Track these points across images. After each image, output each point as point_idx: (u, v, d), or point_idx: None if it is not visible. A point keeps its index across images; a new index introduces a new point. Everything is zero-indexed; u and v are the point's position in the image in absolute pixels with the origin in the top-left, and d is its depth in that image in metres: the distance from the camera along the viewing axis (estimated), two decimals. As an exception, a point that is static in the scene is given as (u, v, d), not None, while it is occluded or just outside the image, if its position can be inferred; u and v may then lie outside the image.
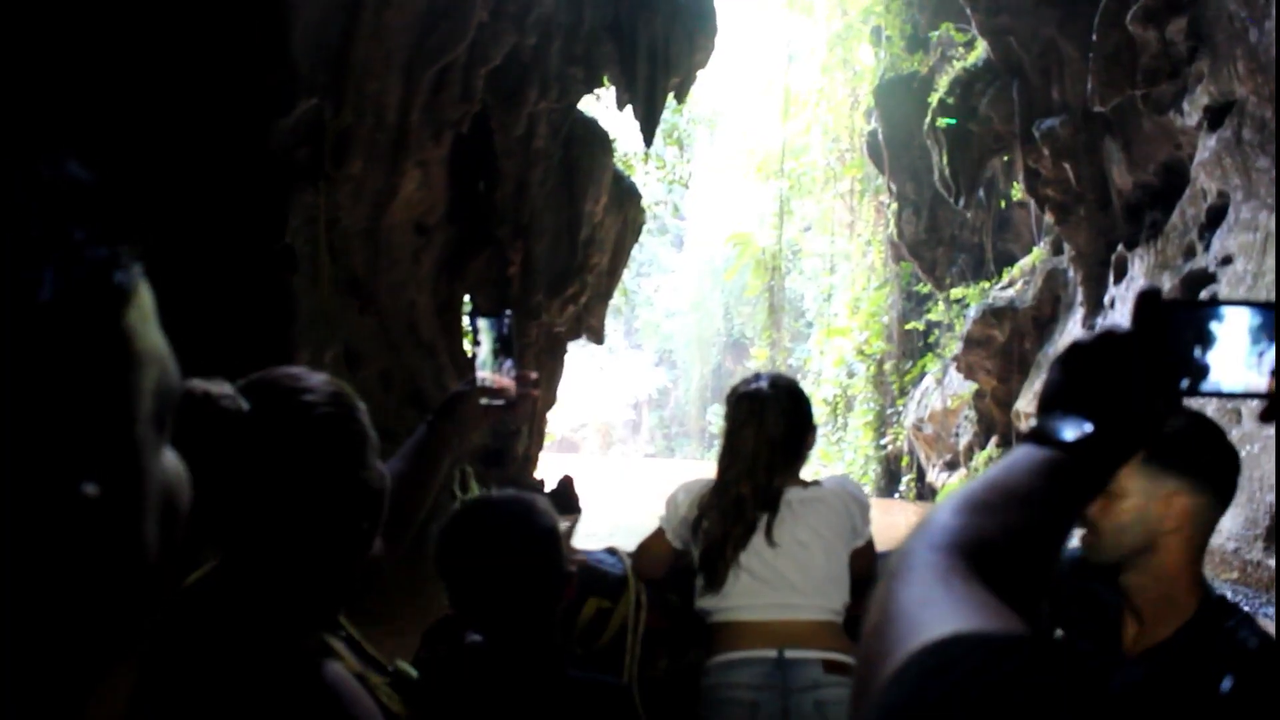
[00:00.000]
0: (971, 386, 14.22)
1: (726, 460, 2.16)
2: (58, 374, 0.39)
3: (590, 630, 2.04)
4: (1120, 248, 11.33)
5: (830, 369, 24.36)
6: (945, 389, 15.89)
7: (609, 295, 15.18)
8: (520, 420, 14.08)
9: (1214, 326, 0.69)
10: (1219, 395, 0.69)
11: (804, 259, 31.38)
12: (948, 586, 0.53)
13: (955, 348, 15.91)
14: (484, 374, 1.54)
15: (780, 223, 23.00)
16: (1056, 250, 13.09)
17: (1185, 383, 0.69)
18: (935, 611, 0.50)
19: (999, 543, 0.60)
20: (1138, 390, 0.68)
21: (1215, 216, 9.55)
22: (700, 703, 2.05)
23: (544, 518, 1.54)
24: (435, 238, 12.71)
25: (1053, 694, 0.41)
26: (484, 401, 1.55)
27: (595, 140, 13.76)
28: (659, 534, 2.24)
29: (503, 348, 1.55)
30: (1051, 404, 0.69)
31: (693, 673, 2.09)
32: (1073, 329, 12.28)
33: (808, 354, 34.30)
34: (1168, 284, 10.17)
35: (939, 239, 15.64)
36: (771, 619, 2.04)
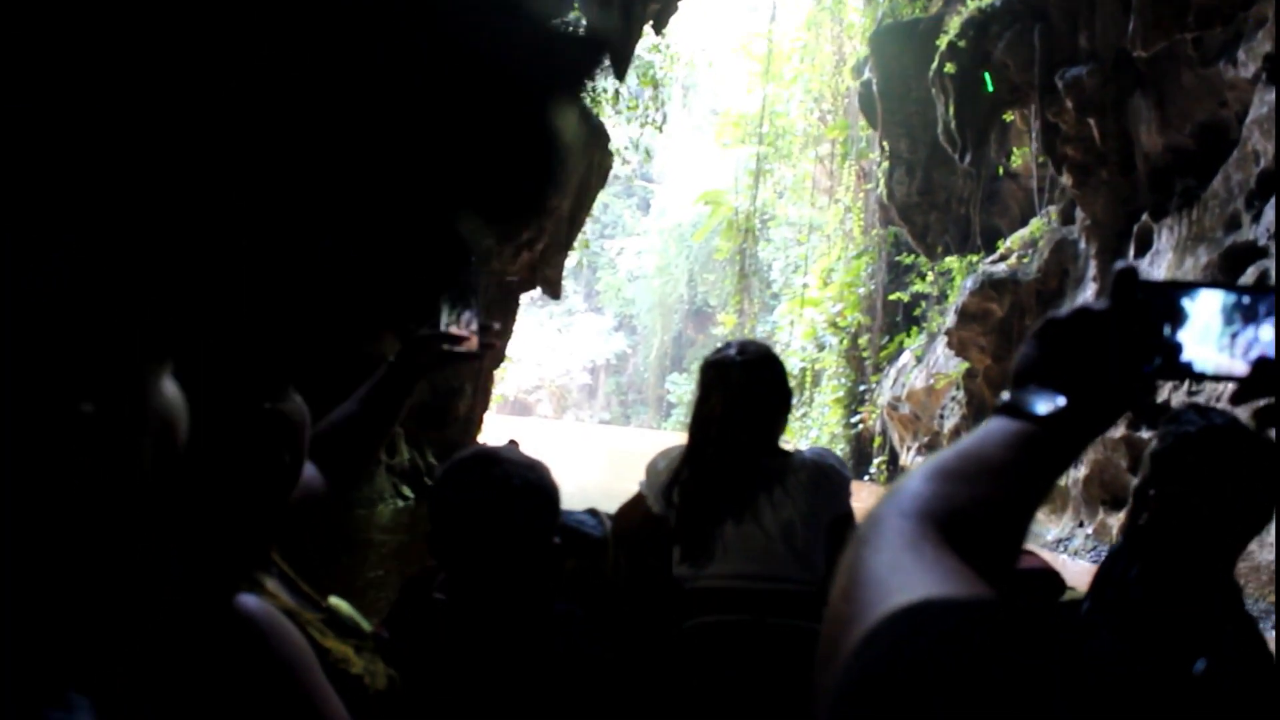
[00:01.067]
0: (961, 365, 12.98)
1: (694, 429, 2.16)
2: (57, 295, 0.40)
3: (567, 591, 1.91)
4: (1145, 217, 10.07)
5: (799, 341, 23.12)
6: (930, 366, 14.65)
7: (568, 245, 13.70)
8: (484, 368, 12.91)
9: (1190, 307, 0.69)
10: (1192, 376, 0.68)
11: (774, 227, 30.04)
12: (918, 552, 0.53)
13: (942, 322, 14.69)
14: (445, 319, 1.53)
15: (756, 182, 21.52)
16: (1066, 220, 11.84)
17: (1157, 361, 0.69)
18: (905, 577, 0.51)
19: (970, 511, 0.60)
20: (1112, 366, 0.68)
21: (1268, 183, 8.30)
22: (676, 667, 2.02)
23: (552, 490, 1.51)
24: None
25: (1023, 657, 0.41)
26: (445, 348, 1.54)
27: (561, 69, 12.24)
28: (639, 498, 2.24)
29: (465, 296, 1.56)
30: (1025, 377, 0.69)
31: (670, 638, 2.07)
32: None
33: (774, 325, 33.29)
34: (1204, 258, 8.95)
35: (932, 202, 14.33)
36: (752, 588, 2.02)
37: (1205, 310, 0.69)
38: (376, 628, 1.48)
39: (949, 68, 11.29)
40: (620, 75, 12.06)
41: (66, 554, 0.43)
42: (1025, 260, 12.65)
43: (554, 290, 13.44)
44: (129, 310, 0.43)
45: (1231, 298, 0.69)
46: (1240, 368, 0.68)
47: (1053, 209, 12.73)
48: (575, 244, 14.78)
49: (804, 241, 23.06)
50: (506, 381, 51.84)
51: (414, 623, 1.52)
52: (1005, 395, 0.69)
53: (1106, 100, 9.90)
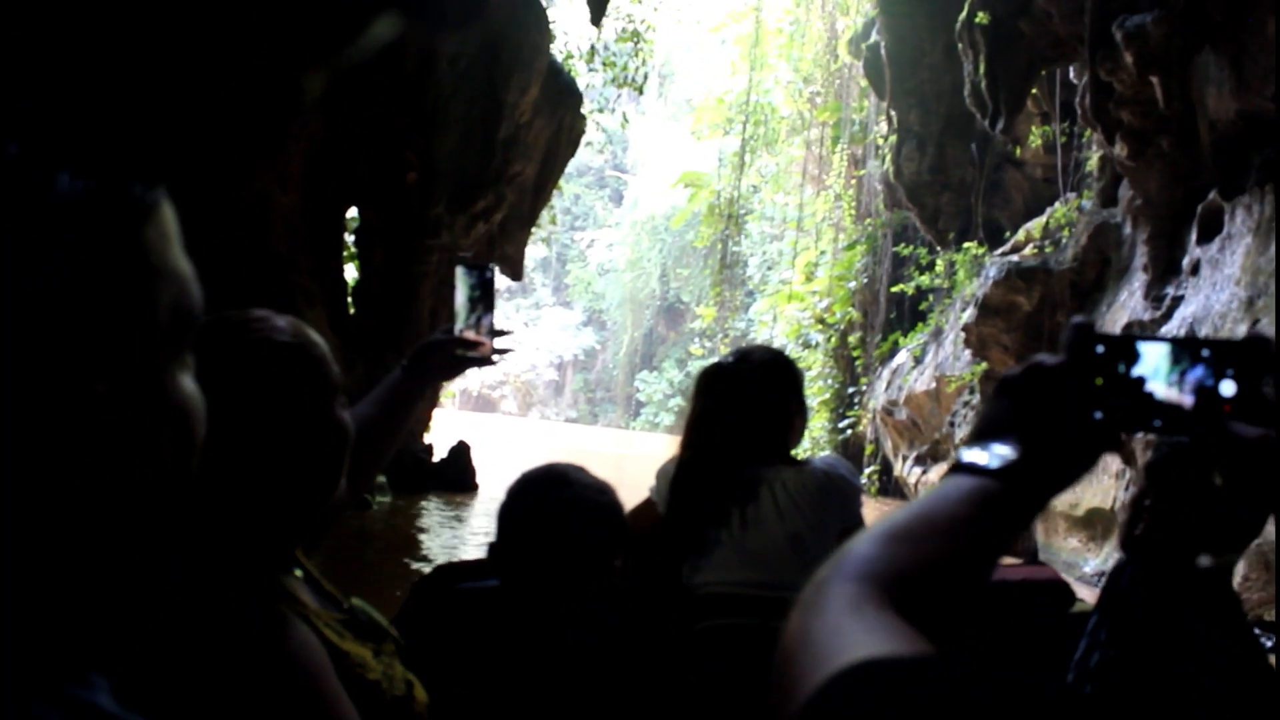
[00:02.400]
0: (977, 366, 11.38)
1: (686, 439, 2.15)
2: (70, 279, 0.42)
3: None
4: (1213, 195, 8.50)
5: (781, 338, 21.48)
6: (937, 367, 13.05)
7: (532, 220, 11.95)
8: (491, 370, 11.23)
9: (1145, 360, 0.71)
10: (1148, 429, 0.71)
11: (752, 221, 28.31)
12: (859, 615, 0.54)
13: (950, 318, 13.11)
14: (461, 324, 1.55)
15: (741, 163, 19.79)
16: (1106, 202, 10.28)
17: (1100, 415, 0.70)
18: (847, 640, 0.51)
19: (915, 573, 0.61)
20: (1069, 419, 0.69)
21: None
22: (681, 669, 2.00)
23: (619, 515, 1.55)
24: (309, 119, 9.36)
25: (964, 710, 0.42)
26: (459, 352, 1.55)
27: (528, 12, 10.47)
28: (649, 503, 2.25)
29: (482, 300, 1.56)
30: (983, 435, 0.70)
31: (677, 640, 2.04)
32: (1128, 299, 9.47)
33: (751, 321, 31.73)
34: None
35: (945, 182, 12.72)
36: (760, 595, 1.99)
37: (1161, 360, 0.70)
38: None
39: (980, 18, 9.68)
40: (596, 20, 10.34)
41: (77, 532, 0.44)
42: (1049, 250, 11.11)
43: (515, 271, 11.71)
44: (146, 301, 0.46)
45: (1184, 350, 0.70)
46: (1188, 400, 0.69)
47: (1086, 191, 11.18)
48: (541, 220, 13.05)
49: (794, 227, 21.29)
50: (468, 376, 50.66)
51: (430, 623, 1.56)
52: (962, 452, 0.70)
53: (1173, 55, 8.33)
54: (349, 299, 11.23)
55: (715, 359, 2.15)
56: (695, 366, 43.09)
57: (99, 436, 0.43)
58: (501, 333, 1.56)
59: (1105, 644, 0.69)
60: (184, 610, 0.94)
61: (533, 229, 12.25)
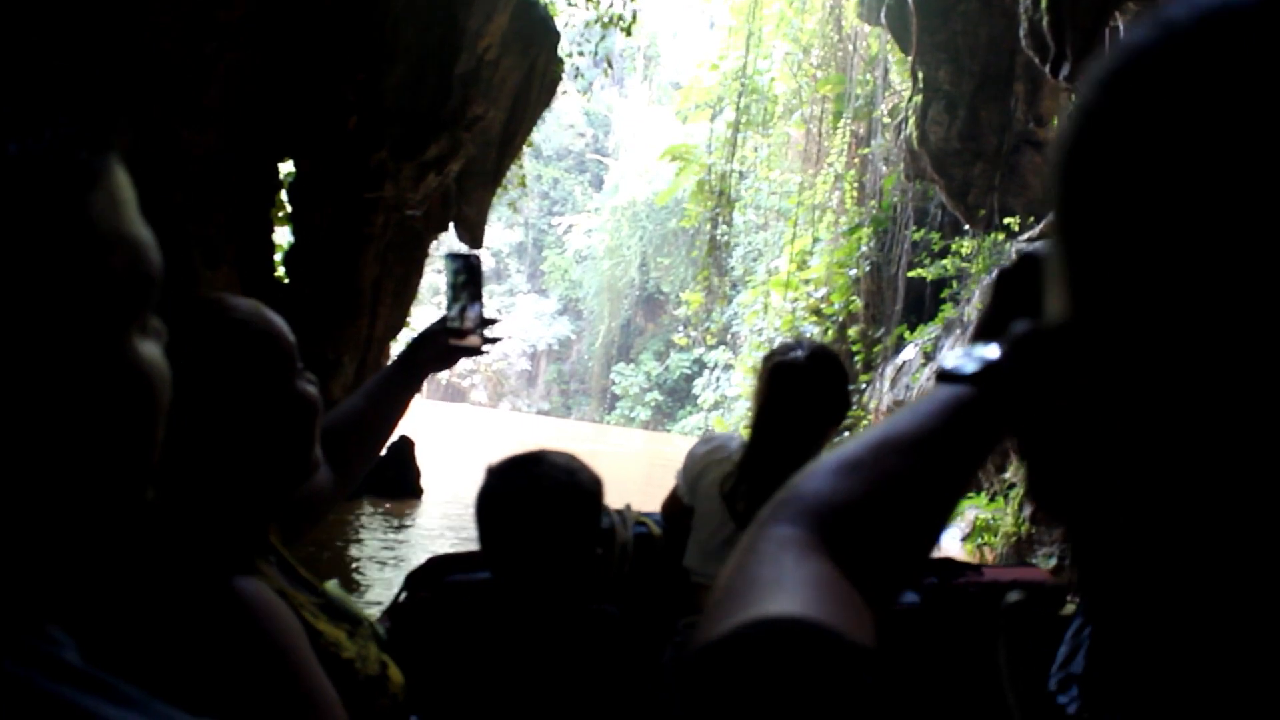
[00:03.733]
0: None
1: (760, 436, 2.04)
2: (12, 248, 0.41)
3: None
4: None
5: (770, 332, 19.80)
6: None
7: (497, 179, 10.17)
8: (375, 337, 9.65)
9: None
10: None
11: (737, 211, 26.45)
12: (777, 563, 0.52)
13: (968, 310, 11.49)
14: (453, 314, 1.56)
15: (735, 137, 17.96)
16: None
17: None
18: (758, 591, 0.49)
19: (858, 505, 0.55)
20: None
21: None
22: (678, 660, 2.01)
23: (589, 492, 1.53)
24: (229, 42, 7.52)
25: (831, 694, 0.41)
26: (451, 342, 1.56)
27: (496, -76, 8.68)
28: (674, 498, 2.25)
29: (469, 289, 1.58)
30: (971, 340, 0.63)
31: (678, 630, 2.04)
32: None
33: (735, 313, 30.17)
34: None
35: (978, 151, 11.03)
36: None
37: None
38: (382, 620, 1.58)
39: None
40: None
41: (31, 493, 0.44)
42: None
43: (474, 236, 9.92)
44: (95, 268, 0.45)
45: None
46: None
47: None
48: (519, 205, 11.30)
49: (793, 203, 19.49)
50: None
51: (421, 617, 1.56)
52: (943, 359, 0.63)
53: None
54: (281, 265, 9.44)
55: (788, 354, 2.03)
56: (679, 358, 41.84)
57: (52, 400, 0.43)
58: (490, 321, 1.59)
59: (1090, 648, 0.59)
60: (150, 574, 0.95)
61: (498, 191, 10.47)
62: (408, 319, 10.13)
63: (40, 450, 0.43)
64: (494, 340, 1.59)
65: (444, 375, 46.11)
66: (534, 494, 1.46)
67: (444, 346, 1.54)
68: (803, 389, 1.98)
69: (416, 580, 1.77)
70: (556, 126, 48.38)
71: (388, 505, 9.04)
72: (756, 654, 0.43)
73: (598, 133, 49.15)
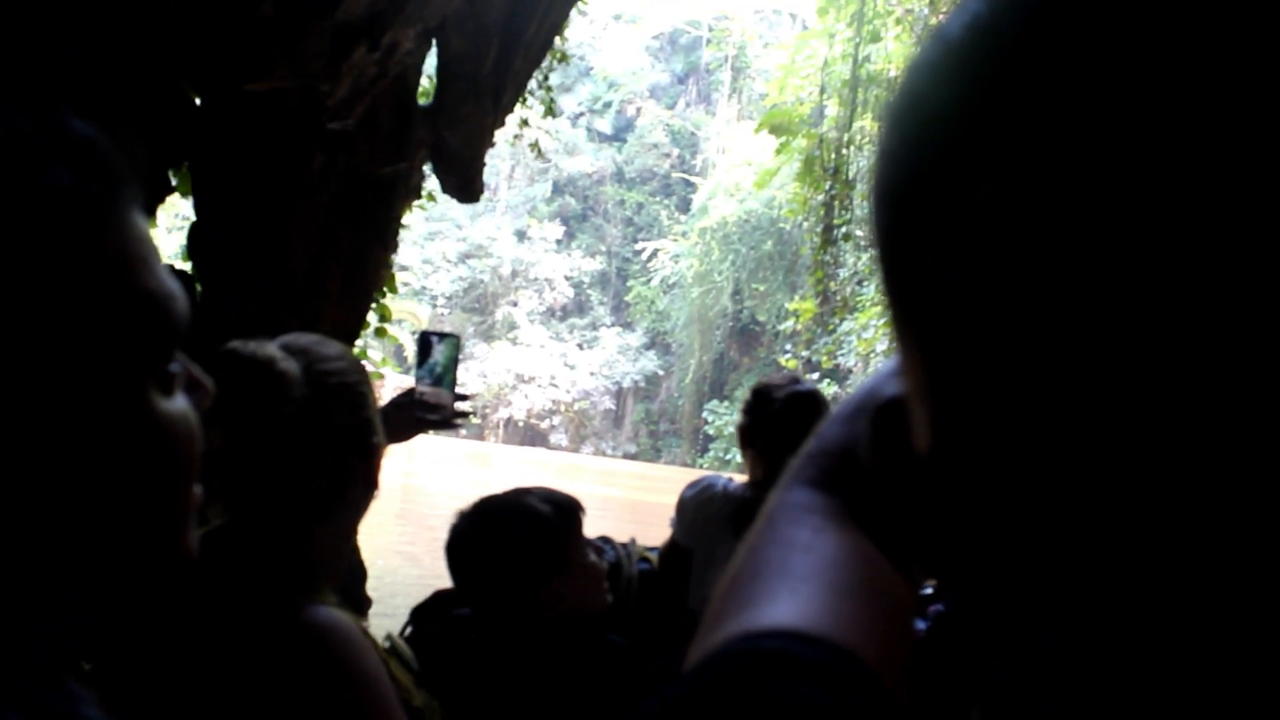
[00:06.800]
0: None
1: (776, 467, 2.07)
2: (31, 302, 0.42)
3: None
4: None
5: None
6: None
7: (500, 95, 6.49)
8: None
9: None
10: None
11: (839, 225, 22.03)
12: (788, 544, 0.47)
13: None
14: (423, 387, 1.62)
15: (852, 91, 13.86)
16: None
17: None
18: (759, 586, 0.45)
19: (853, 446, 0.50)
20: None
21: None
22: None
23: (535, 522, 1.63)
24: None
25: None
26: (419, 415, 1.61)
27: None
28: (673, 544, 2.33)
29: (445, 368, 1.63)
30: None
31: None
32: None
33: (840, 342, 26.20)
34: None
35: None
36: None
37: None
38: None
39: None
40: None
41: (47, 544, 0.45)
42: None
43: (463, 182, 6.26)
44: (112, 325, 0.45)
45: None
46: None
47: None
48: (516, 122, 7.68)
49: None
50: (514, 404, 46.96)
51: (431, 648, 1.61)
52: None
53: None
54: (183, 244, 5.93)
55: (795, 385, 2.25)
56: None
57: (70, 454, 0.44)
58: (463, 397, 1.64)
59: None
60: (219, 610, 0.96)
61: (496, 127, 6.79)
62: (368, 313, 6.47)
63: (58, 503, 0.44)
64: (465, 415, 1.66)
65: (521, 416, 43.25)
66: (480, 530, 1.60)
67: (409, 420, 1.59)
68: (818, 416, 1.99)
69: (422, 615, 1.77)
70: (639, 147, 45.65)
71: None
72: (727, 700, 0.38)
73: (684, 152, 46.09)
